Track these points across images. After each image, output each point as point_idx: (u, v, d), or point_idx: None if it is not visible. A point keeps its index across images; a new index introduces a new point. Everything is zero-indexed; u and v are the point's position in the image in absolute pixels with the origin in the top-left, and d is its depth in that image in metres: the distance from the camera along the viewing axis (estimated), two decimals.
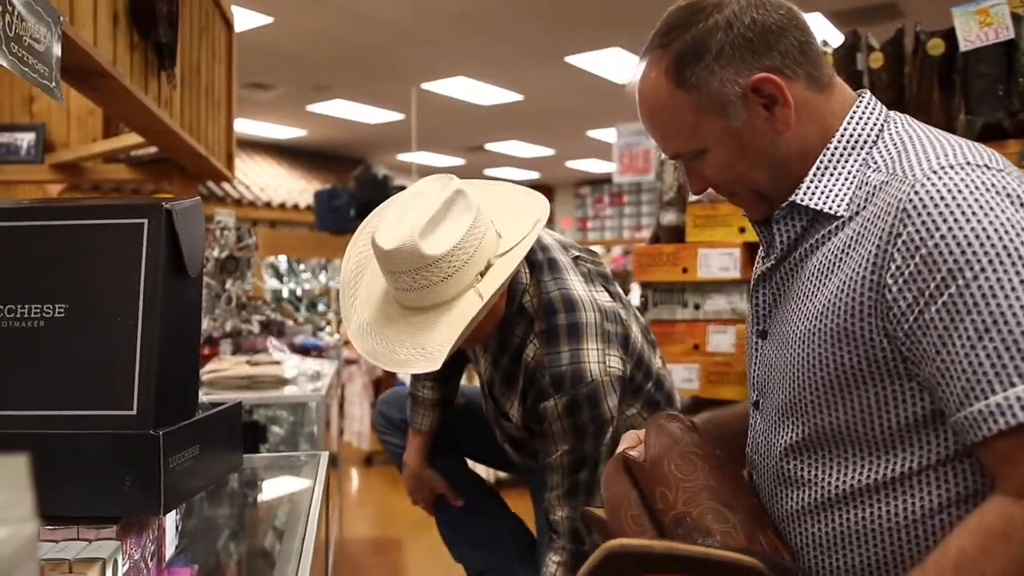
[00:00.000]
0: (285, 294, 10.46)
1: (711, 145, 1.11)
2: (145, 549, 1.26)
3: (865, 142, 1.08)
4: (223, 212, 3.45)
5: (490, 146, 12.01)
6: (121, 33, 2.19)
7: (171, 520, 1.38)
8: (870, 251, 0.97)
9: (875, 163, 1.05)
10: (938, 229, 0.90)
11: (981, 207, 0.90)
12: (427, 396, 2.03)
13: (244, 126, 10.09)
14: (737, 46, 1.07)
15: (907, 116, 1.13)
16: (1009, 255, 0.87)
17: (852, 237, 1.01)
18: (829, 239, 1.06)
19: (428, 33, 7.09)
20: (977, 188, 0.92)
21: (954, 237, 0.90)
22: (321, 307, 10.50)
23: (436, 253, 1.41)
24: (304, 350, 3.83)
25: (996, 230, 0.89)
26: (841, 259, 1.02)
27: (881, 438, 1.00)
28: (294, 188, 11.62)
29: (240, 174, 10.22)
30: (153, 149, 3.58)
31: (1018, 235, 0.88)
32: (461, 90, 8.90)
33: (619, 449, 1.24)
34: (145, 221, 1.29)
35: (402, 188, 8.25)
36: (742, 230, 2.76)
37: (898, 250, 0.93)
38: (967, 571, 0.87)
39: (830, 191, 1.07)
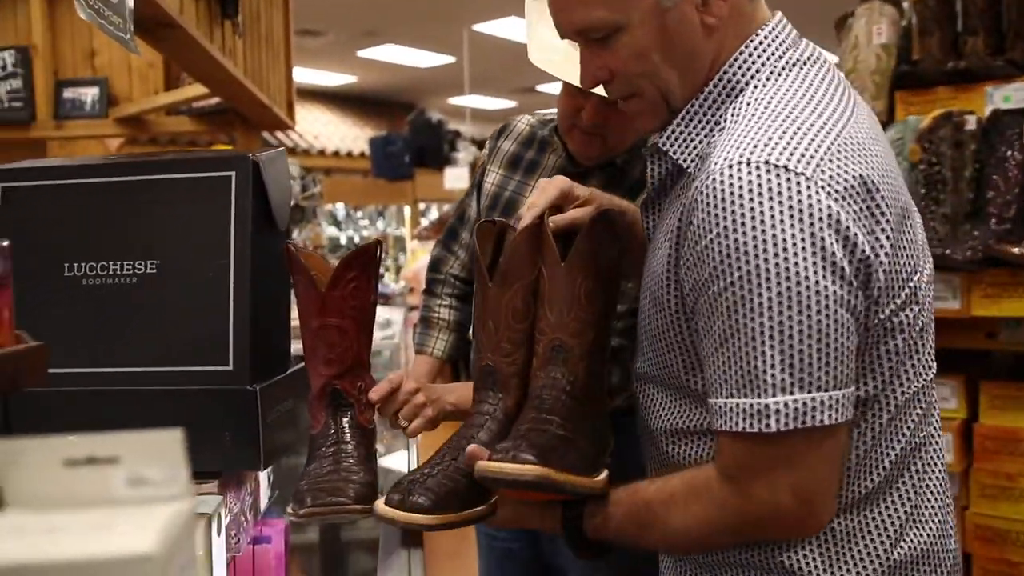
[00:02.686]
0: (343, 241, 10.55)
1: (633, 23, 1.00)
2: (244, 502, 1.27)
3: (734, 90, 1.03)
4: (289, 161, 3.44)
5: (542, 87, 11.83)
6: None
7: (264, 472, 1.39)
8: (675, 226, 1.00)
9: (720, 125, 1.01)
10: (711, 230, 0.92)
11: (753, 218, 0.89)
12: (443, 317, 1.79)
13: (294, 73, 10.09)
14: None
15: (803, 63, 1.04)
16: (759, 275, 0.89)
17: (683, 204, 0.99)
18: (682, 194, 1.03)
19: None
20: (758, 195, 0.89)
21: (720, 242, 0.91)
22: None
23: None
24: None
25: (756, 246, 0.89)
26: (675, 226, 1.01)
27: (688, 393, 1.06)
28: (347, 135, 11.63)
29: None
30: (215, 100, 3.58)
31: (775, 255, 0.88)
32: (512, 31, 8.74)
33: (545, 199, 1.15)
34: (233, 173, 1.27)
35: (456, 133, 8.20)
36: None
37: (689, 234, 0.96)
38: (664, 504, 1.02)
39: (690, 141, 1.04)
